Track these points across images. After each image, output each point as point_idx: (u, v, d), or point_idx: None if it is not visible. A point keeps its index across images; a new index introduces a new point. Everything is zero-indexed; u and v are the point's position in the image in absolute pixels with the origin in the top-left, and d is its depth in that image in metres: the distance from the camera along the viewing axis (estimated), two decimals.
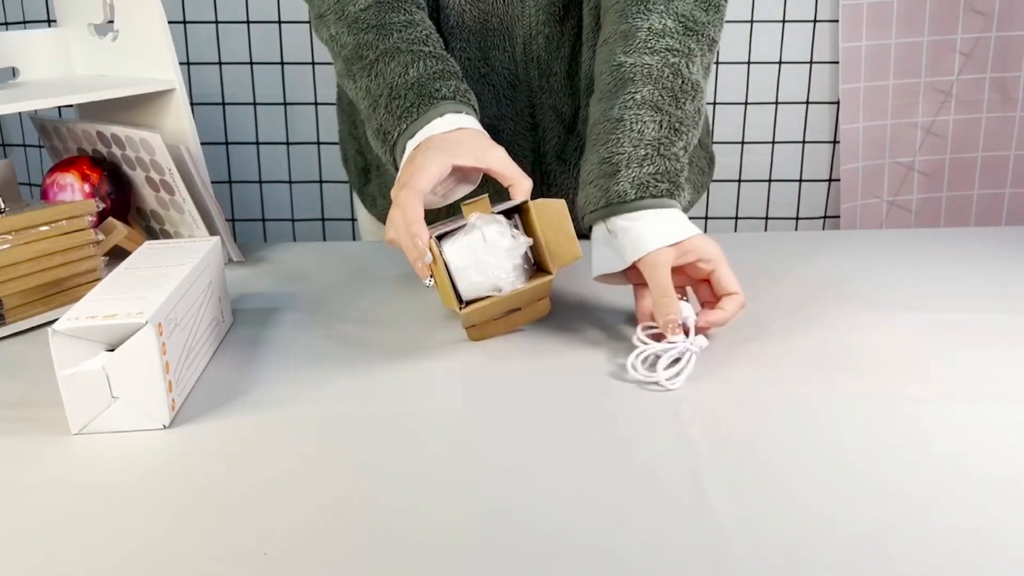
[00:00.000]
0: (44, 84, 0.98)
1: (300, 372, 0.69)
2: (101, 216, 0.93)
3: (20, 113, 1.49)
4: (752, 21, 1.63)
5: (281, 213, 1.77)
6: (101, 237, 0.84)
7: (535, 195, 0.72)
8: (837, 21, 1.61)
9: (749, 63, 1.65)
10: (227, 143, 1.72)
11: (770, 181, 1.71)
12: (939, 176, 1.71)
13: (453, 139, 0.73)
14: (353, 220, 1.76)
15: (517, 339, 0.75)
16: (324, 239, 1.77)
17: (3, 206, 0.78)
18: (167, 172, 0.91)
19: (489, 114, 0.91)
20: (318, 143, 1.72)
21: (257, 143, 1.72)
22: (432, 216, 0.71)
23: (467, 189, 0.76)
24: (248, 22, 1.65)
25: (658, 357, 0.67)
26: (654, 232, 0.71)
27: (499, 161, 0.72)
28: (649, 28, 0.76)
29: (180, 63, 0.93)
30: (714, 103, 1.66)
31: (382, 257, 0.96)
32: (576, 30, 0.89)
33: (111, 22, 0.98)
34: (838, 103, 1.65)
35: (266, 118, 1.70)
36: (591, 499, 0.52)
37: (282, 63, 1.67)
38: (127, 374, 0.59)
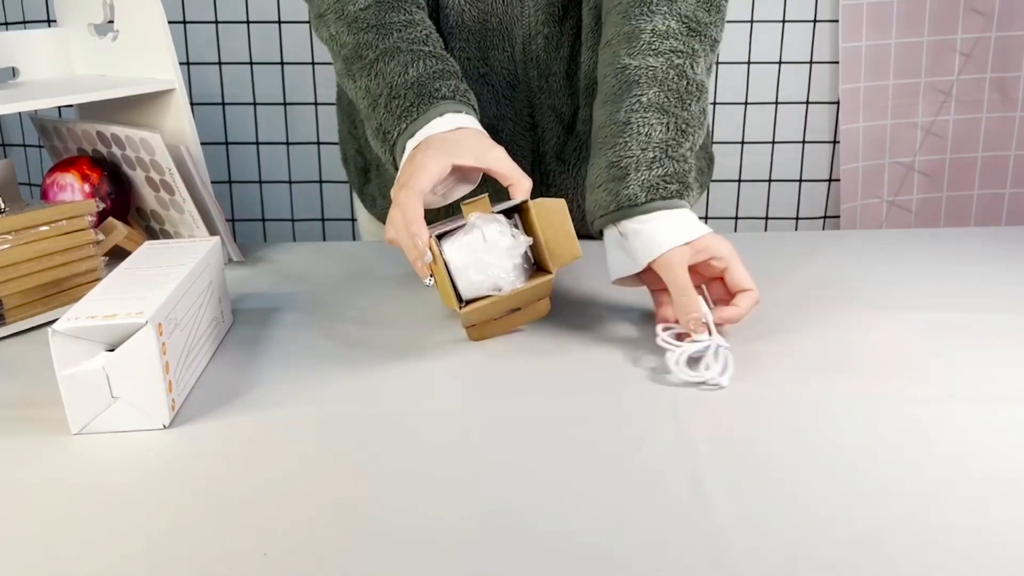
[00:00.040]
0: (44, 84, 0.98)
1: (300, 372, 0.69)
2: (101, 216, 0.93)
3: (20, 113, 1.49)
4: (752, 21, 1.63)
5: (281, 213, 1.77)
6: (101, 237, 0.84)
7: (534, 195, 0.72)
8: (837, 21, 1.61)
9: (749, 63, 1.65)
10: (227, 143, 1.72)
11: (770, 181, 1.71)
12: (939, 176, 1.71)
13: (453, 139, 0.73)
14: (353, 220, 1.76)
15: (517, 339, 0.75)
16: (324, 239, 1.77)
17: (3, 206, 0.78)
18: (167, 172, 0.91)
19: (488, 114, 0.91)
20: (318, 143, 1.72)
21: (257, 143, 1.72)
22: (432, 216, 0.71)
23: (467, 189, 0.76)
24: (248, 22, 1.65)
25: (696, 359, 0.67)
26: (666, 233, 0.71)
27: (499, 161, 0.72)
28: (652, 30, 0.76)
29: (180, 63, 0.93)
30: (714, 103, 1.66)
31: (382, 257, 0.96)
32: (575, 30, 0.89)
33: (111, 22, 0.98)
34: (838, 103, 1.65)
35: (266, 118, 1.70)
36: (591, 499, 0.52)
37: (282, 63, 1.67)
38: (127, 374, 0.59)
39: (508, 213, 0.73)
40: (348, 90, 0.82)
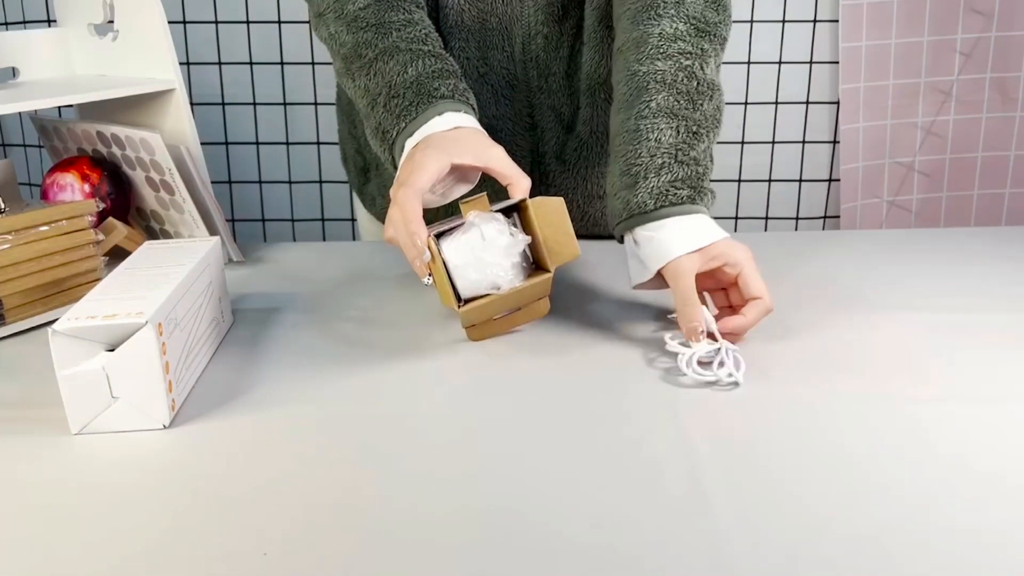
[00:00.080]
0: (44, 84, 0.98)
1: (300, 372, 0.69)
2: (101, 216, 0.93)
3: (20, 113, 1.49)
4: (752, 21, 1.63)
5: (281, 213, 1.77)
6: (101, 237, 0.84)
7: (534, 195, 0.72)
8: (837, 21, 1.61)
9: (749, 63, 1.64)
10: (227, 143, 1.72)
11: (770, 181, 1.71)
12: (939, 176, 1.71)
13: (452, 138, 0.73)
14: (353, 220, 1.76)
15: (517, 339, 0.75)
16: (324, 239, 1.77)
17: (3, 206, 0.78)
18: (167, 172, 0.91)
19: (488, 114, 0.91)
20: (318, 143, 1.72)
21: (257, 143, 1.72)
22: (430, 215, 0.71)
23: (466, 188, 0.76)
24: (248, 22, 1.65)
25: (705, 363, 0.67)
26: (677, 240, 0.71)
27: (498, 160, 0.72)
28: (660, 33, 0.76)
29: (180, 63, 0.93)
30: None
31: (382, 257, 0.96)
32: (575, 30, 0.89)
33: (111, 22, 0.98)
34: (838, 103, 1.65)
35: (266, 118, 1.70)
36: (591, 498, 0.52)
37: (282, 63, 1.67)
38: (127, 374, 0.59)
39: (507, 212, 0.73)
40: (347, 89, 0.82)
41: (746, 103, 1.67)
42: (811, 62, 1.64)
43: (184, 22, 1.64)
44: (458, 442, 0.59)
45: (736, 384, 0.65)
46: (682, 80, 0.74)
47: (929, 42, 1.63)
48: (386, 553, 0.47)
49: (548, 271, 0.72)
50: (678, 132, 0.73)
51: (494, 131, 0.90)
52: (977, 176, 1.71)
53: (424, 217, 0.69)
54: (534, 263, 0.74)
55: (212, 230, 0.95)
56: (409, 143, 0.74)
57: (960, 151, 1.69)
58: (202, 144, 0.96)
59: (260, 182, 1.75)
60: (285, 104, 1.69)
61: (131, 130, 0.92)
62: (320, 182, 1.75)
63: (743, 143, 1.69)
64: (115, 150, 0.96)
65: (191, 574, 0.46)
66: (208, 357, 0.71)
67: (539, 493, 0.52)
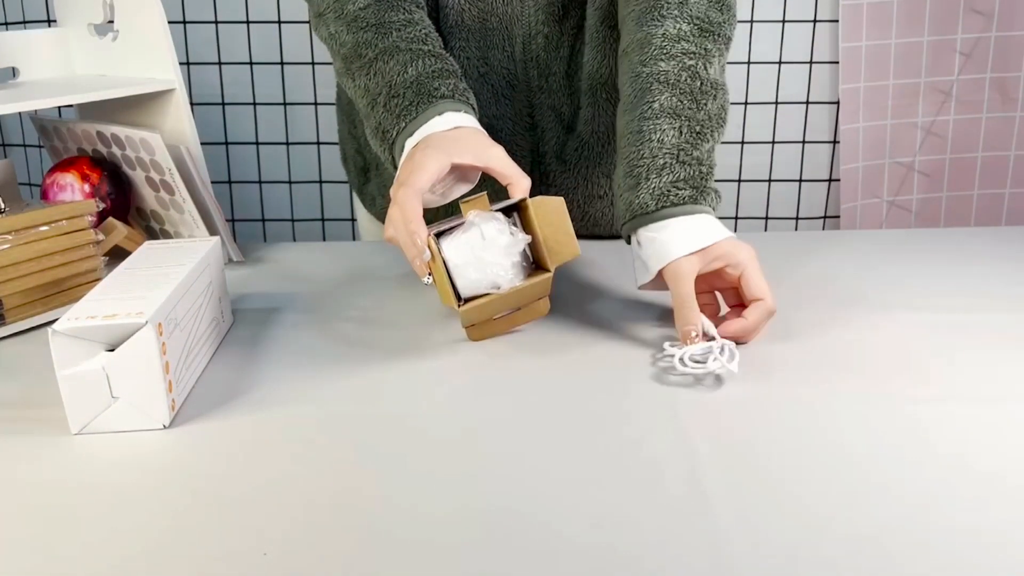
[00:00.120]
0: (44, 84, 0.98)
1: (300, 372, 0.69)
2: (101, 216, 0.93)
3: (20, 113, 1.49)
4: (752, 21, 1.63)
5: (281, 213, 1.77)
6: (101, 237, 0.84)
7: (534, 195, 0.72)
8: (837, 21, 1.61)
9: (749, 63, 1.64)
10: (227, 143, 1.72)
11: (770, 181, 1.71)
12: (939, 176, 1.71)
13: (452, 137, 0.73)
14: (353, 220, 1.76)
15: (517, 339, 0.75)
16: (324, 239, 1.77)
17: (3, 206, 0.78)
18: (167, 172, 0.91)
19: (488, 113, 0.91)
20: (318, 143, 1.72)
21: (257, 143, 1.72)
22: (430, 215, 0.71)
23: (466, 188, 0.76)
24: (248, 22, 1.65)
25: (699, 362, 0.67)
26: (677, 241, 0.71)
27: (498, 160, 0.72)
28: (664, 34, 0.76)
29: (180, 63, 0.93)
30: None
31: (382, 257, 0.96)
32: (575, 30, 0.89)
33: (111, 22, 0.98)
34: (838, 103, 1.65)
35: (266, 118, 1.70)
36: (591, 498, 0.52)
37: (282, 63, 1.67)
38: (127, 374, 0.59)
39: (507, 211, 0.73)
40: (347, 89, 0.82)
41: (746, 103, 1.67)
42: (811, 62, 1.64)
43: (184, 22, 1.64)
44: (458, 442, 0.59)
45: (731, 373, 0.65)
46: (685, 80, 0.74)
47: (929, 42, 1.63)
48: (386, 553, 0.47)
49: (548, 271, 0.72)
50: (680, 132, 0.73)
51: (494, 131, 0.90)
52: (977, 176, 1.71)
53: (424, 217, 0.69)
54: (534, 263, 0.74)
55: (212, 230, 0.95)
56: (409, 143, 0.74)
57: (960, 151, 1.69)
58: (202, 144, 0.96)
59: (260, 182, 1.75)
60: (285, 104, 1.69)
61: (131, 130, 0.92)
62: (320, 182, 1.75)
63: (743, 143, 1.69)
64: (115, 150, 0.96)
65: (191, 574, 0.46)
66: (208, 357, 0.71)
67: (539, 493, 0.52)
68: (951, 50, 1.63)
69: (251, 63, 1.67)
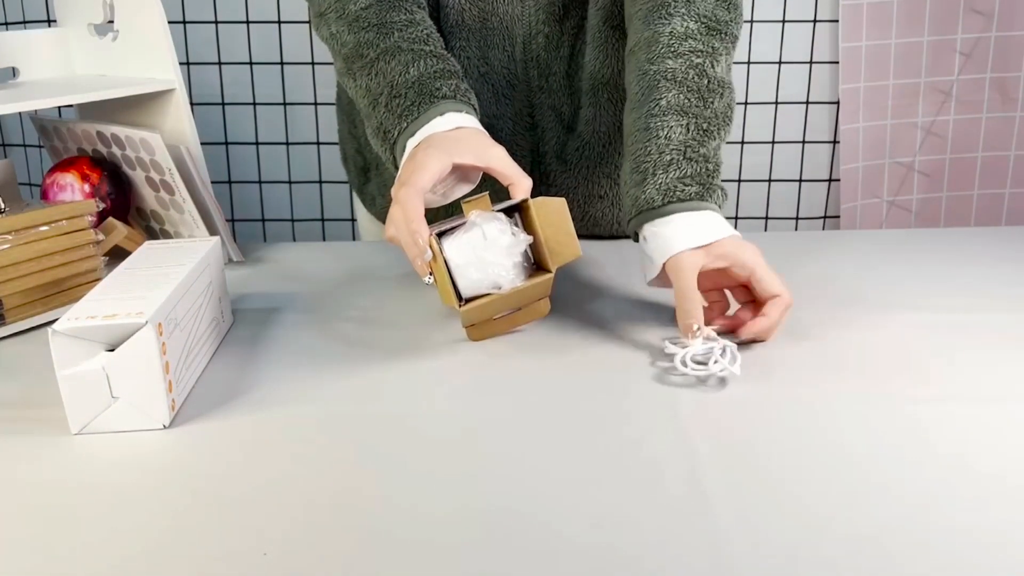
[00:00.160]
0: (44, 84, 0.98)
1: (300, 372, 0.69)
2: (101, 216, 0.93)
3: (20, 113, 1.49)
4: (752, 21, 1.63)
5: (281, 213, 1.77)
6: (101, 237, 0.84)
7: (535, 195, 0.72)
8: (837, 21, 1.61)
9: (749, 63, 1.65)
10: (227, 143, 1.72)
11: (770, 181, 1.71)
12: (939, 176, 1.71)
13: (454, 138, 0.73)
14: (353, 220, 1.76)
15: (517, 339, 0.75)
16: (324, 239, 1.77)
17: (3, 206, 0.78)
18: (167, 172, 0.91)
19: (488, 113, 0.91)
20: (318, 143, 1.72)
21: (257, 143, 1.72)
22: (431, 215, 0.71)
23: (467, 188, 0.76)
24: (248, 22, 1.65)
25: (701, 361, 0.67)
26: (681, 236, 0.71)
27: (499, 160, 0.72)
28: (671, 32, 0.76)
29: (180, 63, 0.93)
30: None
31: (382, 257, 0.96)
32: (575, 30, 0.89)
33: (111, 22, 0.98)
34: (838, 103, 1.65)
35: (266, 118, 1.70)
36: (591, 498, 0.52)
37: (282, 63, 1.67)
38: (127, 374, 0.59)
39: (508, 212, 0.73)
40: (348, 89, 0.82)
41: (746, 103, 1.67)
42: (811, 62, 1.64)
43: (184, 22, 1.64)
44: (458, 442, 0.59)
45: (733, 375, 0.65)
46: (693, 78, 0.75)
47: (929, 42, 1.63)
48: (386, 553, 0.47)
49: (549, 271, 0.72)
50: (688, 129, 0.73)
51: (494, 131, 0.90)
52: (977, 176, 1.71)
53: (426, 217, 0.69)
54: (535, 263, 0.74)
55: (212, 230, 0.95)
56: (411, 143, 0.74)
57: (960, 151, 1.69)
58: (202, 144, 0.96)
59: (260, 182, 1.75)
60: (285, 104, 1.69)
61: (131, 130, 0.92)
62: (320, 182, 1.75)
63: (743, 143, 1.69)
64: (115, 150, 0.96)
65: (191, 574, 0.46)
66: (208, 357, 0.71)
67: (539, 493, 0.52)
68: (951, 50, 1.63)
69: (251, 63, 1.67)
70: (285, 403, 0.64)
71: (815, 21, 1.62)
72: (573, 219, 0.72)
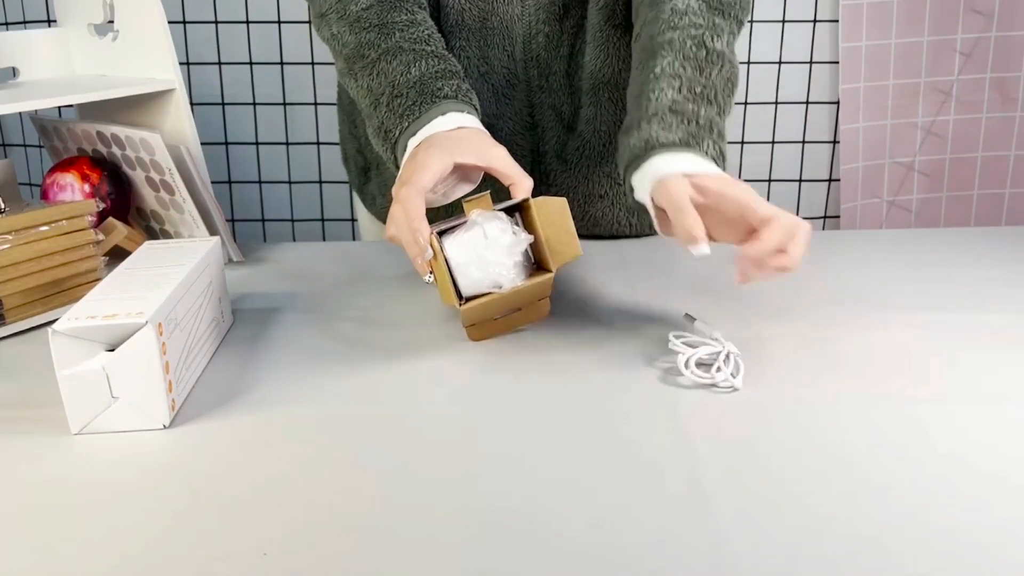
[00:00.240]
0: (44, 84, 0.98)
1: (300, 372, 0.69)
2: (101, 216, 0.93)
3: (20, 113, 1.49)
4: (752, 21, 1.63)
5: (281, 213, 1.77)
6: (101, 237, 0.84)
7: (535, 195, 0.72)
8: (837, 21, 1.61)
9: (749, 63, 1.65)
10: (227, 143, 1.72)
11: (770, 181, 1.71)
12: (939, 176, 1.71)
13: (455, 137, 0.73)
14: (353, 220, 1.76)
15: (517, 339, 0.75)
16: (324, 239, 1.78)
17: (3, 206, 0.78)
18: (167, 172, 0.91)
19: (488, 113, 0.91)
20: (318, 143, 1.72)
21: (257, 143, 1.72)
22: (431, 215, 0.71)
23: (467, 188, 0.76)
24: (248, 22, 1.65)
25: (705, 365, 0.67)
26: (663, 165, 0.70)
27: (500, 160, 0.72)
28: (672, 8, 0.77)
29: (180, 63, 0.93)
30: None
31: (382, 257, 0.96)
32: (575, 29, 0.89)
33: (111, 22, 0.98)
34: (838, 103, 1.65)
35: (266, 118, 1.70)
36: (591, 498, 0.52)
37: (282, 63, 1.67)
38: (127, 374, 0.59)
39: (509, 211, 0.73)
40: (350, 89, 0.82)
41: (746, 103, 1.67)
42: (811, 62, 1.64)
43: (184, 22, 1.64)
44: (458, 442, 0.59)
45: (734, 389, 0.65)
46: (690, 47, 0.75)
47: (929, 42, 1.63)
48: (386, 553, 0.47)
49: (550, 271, 0.72)
50: (679, 91, 0.73)
51: (494, 130, 0.90)
52: (977, 176, 1.71)
53: (427, 216, 0.69)
54: (535, 263, 0.74)
55: (212, 230, 0.95)
56: (412, 142, 0.74)
57: (960, 151, 1.69)
58: (202, 144, 0.96)
59: (260, 182, 1.75)
60: (285, 104, 1.69)
61: (131, 130, 0.92)
62: (320, 182, 1.75)
63: (743, 143, 1.69)
64: (115, 150, 0.96)
65: (191, 574, 0.46)
66: (208, 357, 0.71)
67: (539, 493, 0.52)
68: (951, 50, 1.63)
69: (251, 63, 1.67)
70: (285, 403, 0.64)
71: (815, 21, 1.62)
72: (573, 219, 0.72)
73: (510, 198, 0.72)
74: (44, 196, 0.94)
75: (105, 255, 0.87)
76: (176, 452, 0.58)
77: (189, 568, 0.46)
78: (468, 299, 0.71)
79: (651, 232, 0.96)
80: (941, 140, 1.69)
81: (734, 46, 0.79)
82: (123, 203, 0.98)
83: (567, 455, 0.56)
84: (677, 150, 0.70)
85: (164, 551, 0.48)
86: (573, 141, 0.93)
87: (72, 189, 0.93)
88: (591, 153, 0.93)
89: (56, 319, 0.59)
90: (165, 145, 0.89)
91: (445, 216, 0.78)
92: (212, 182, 0.97)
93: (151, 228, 1.01)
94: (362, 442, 0.59)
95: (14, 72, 1.01)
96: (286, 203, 1.76)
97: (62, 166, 0.95)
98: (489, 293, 0.70)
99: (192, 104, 0.97)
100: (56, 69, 1.04)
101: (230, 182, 1.74)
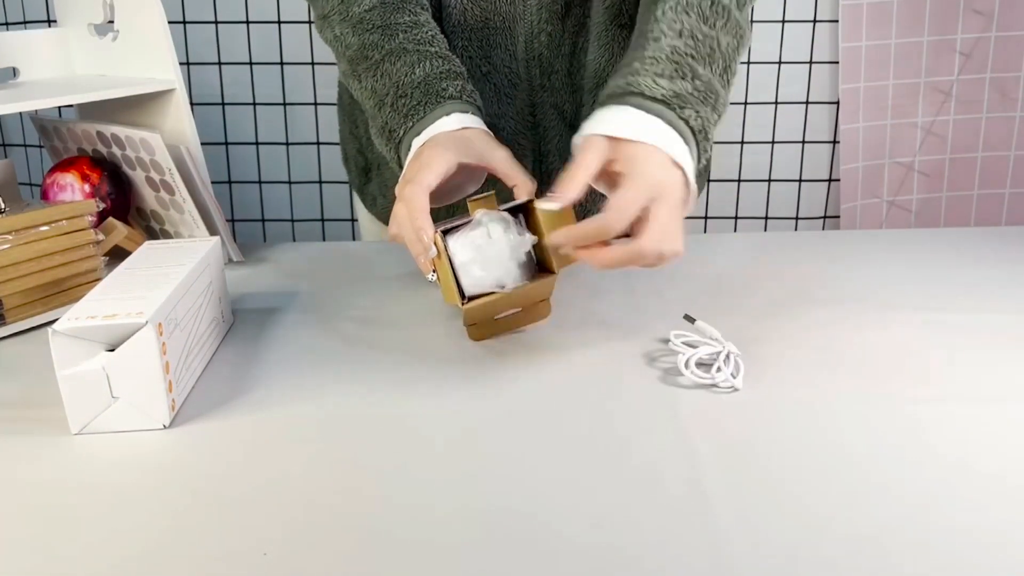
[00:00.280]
0: (44, 84, 0.98)
1: (300, 372, 0.69)
2: (101, 216, 0.93)
3: (20, 113, 1.49)
4: (752, 21, 1.63)
5: (281, 213, 1.77)
6: (101, 237, 0.84)
7: (538, 195, 0.72)
8: (837, 21, 1.61)
9: (749, 63, 1.65)
10: (227, 143, 1.72)
11: (770, 181, 1.71)
12: (939, 176, 1.71)
13: (460, 137, 0.73)
14: (353, 220, 1.76)
15: (518, 339, 0.75)
16: (324, 239, 1.78)
17: (3, 206, 0.78)
18: (167, 172, 0.91)
19: (490, 112, 0.91)
20: (318, 143, 1.72)
21: (257, 143, 1.72)
22: (434, 215, 0.71)
23: (471, 188, 0.76)
24: (248, 22, 1.65)
25: (706, 365, 0.67)
26: (595, 122, 0.68)
27: (504, 161, 0.72)
28: None
29: (180, 63, 0.93)
30: None
31: (382, 257, 0.96)
32: (576, 27, 0.89)
33: (111, 22, 0.98)
34: (838, 103, 1.65)
35: (266, 118, 1.70)
36: (591, 499, 0.52)
37: (282, 63, 1.67)
38: (127, 374, 0.59)
39: (514, 212, 0.73)
40: (353, 90, 0.82)
41: (746, 103, 1.67)
42: (811, 62, 1.64)
43: (184, 22, 1.64)
44: (458, 442, 0.59)
45: (734, 389, 0.65)
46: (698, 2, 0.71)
47: (929, 42, 1.63)
48: (386, 553, 0.47)
49: (553, 272, 0.72)
50: (680, 35, 0.70)
51: (496, 129, 0.90)
52: (977, 176, 1.71)
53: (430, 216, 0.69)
54: (538, 264, 0.74)
55: (212, 230, 0.95)
56: (416, 142, 0.75)
57: (960, 151, 1.69)
58: (202, 144, 0.96)
59: (260, 182, 1.75)
60: (285, 104, 1.69)
61: (131, 130, 0.92)
62: (320, 182, 1.75)
63: (743, 143, 1.69)
64: (115, 150, 0.96)
65: (191, 574, 0.46)
66: (208, 357, 0.71)
67: (539, 493, 0.52)
68: (951, 50, 1.63)
69: (251, 63, 1.67)
70: (285, 403, 0.64)
71: (815, 21, 1.62)
72: (576, 219, 0.72)
73: (514, 199, 0.72)
74: (44, 196, 0.94)
75: (105, 255, 0.87)
76: (176, 452, 0.58)
77: (189, 568, 0.46)
78: (471, 298, 0.71)
79: None
80: (941, 140, 1.69)
81: (747, 13, 0.76)
82: (123, 203, 0.98)
83: (567, 455, 0.56)
84: (617, 99, 0.68)
85: (164, 551, 0.48)
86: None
87: (72, 189, 0.93)
88: None
89: (56, 319, 0.59)
90: (165, 145, 0.89)
91: (446, 216, 0.78)
92: (212, 182, 0.97)
93: (151, 228, 1.01)
94: (362, 442, 0.59)
95: (14, 72, 1.01)
96: (286, 203, 1.76)
97: (62, 166, 0.95)
98: (492, 293, 0.70)
99: (192, 104, 0.97)
100: (56, 69, 1.04)
101: (230, 182, 1.74)
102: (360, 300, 0.84)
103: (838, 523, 0.49)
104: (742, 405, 0.63)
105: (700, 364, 0.67)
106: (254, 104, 1.69)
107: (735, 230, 1.73)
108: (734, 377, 0.65)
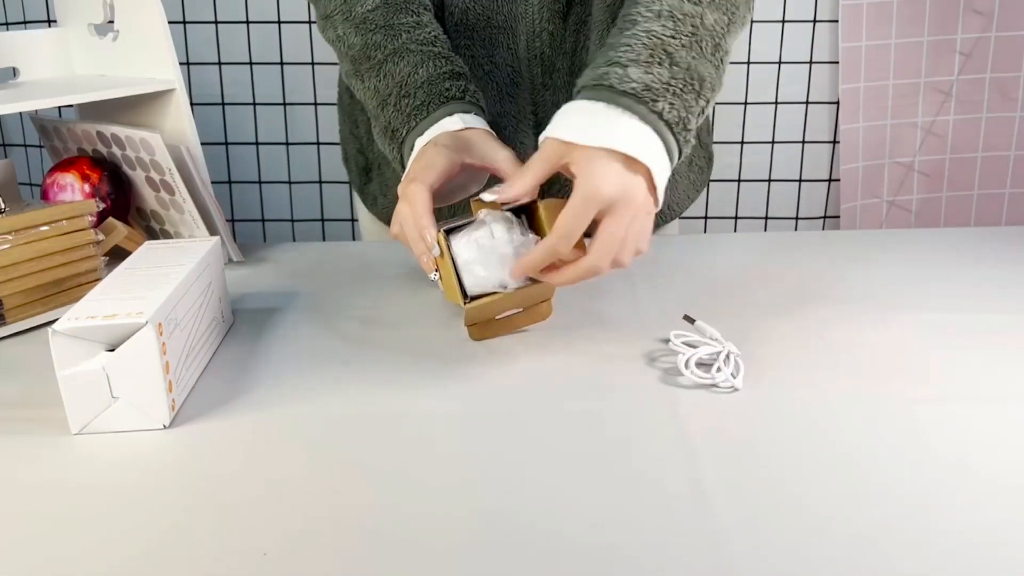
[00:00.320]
0: (44, 84, 0.98)
1: (300, 372, 0.69)
2: (101, 216, 0.93)
3: (20, 113, 1.49)
4: (752, 21, 1.63)
5: (281, 213, 1.77)
6: (101, 237, 0.84)
7: (540, 194, 0.72)
8: (837, 21, 1.61)
9: (749, 63, 1.65)
10: (227, 143, 1.72)
11: (770, 181, 1.71)
12: (939, 176, 1.71)
13: (463, 138, 0.73)
14: (353, 220, 1.76)
15: (518, 339, 0.75)
16: (324, 239, 1.78)
17: (3, 206, 0.78)
18: (167, 172, 0.91)
19: (492, 111, 0.91)
20: (318, 143, 1.72)
21: (257, 143, 1.72)
22: (437, 215, 0.71)
23: (474, 189, 0.76)
24: (248, 22, 1.65)
25: (706, 365, 0.67)
26: (557, 120, 0.68)
27: (507, 161, 0.72)
28: None
29: (180, 63, 0.93)
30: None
31: (382, 257, 0.96)
32: (577, 26, 0.89)
33: (111, 22, 0.98)
34: (838, 103, 1.65)
35: (266, 118, 1.70)
36: (591, 499, 0.52)
37: (282, 63, 1.67)
38: (127, 374, 0.59)
39: (517, 212, 0.73)
40: (355, 90, 0.82)
41: (746, 103, 1.67)
42: (811, 62, 1.64)
43: (184, 22, 1.64)
44: (458, 442, 0.59)
45: (734, 389, 0.65)
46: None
47: (929, 42, 1.63)
48: (386, 553, 0.47)
49: None
50: (658, 17, 0.68)
51: (498, 129, 0.90)
52: (977, 176, 1.71)
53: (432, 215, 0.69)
54: None
55: (212, 230, 0.95)
56: (419, 141, 0.75)
57: (960, 151, 1.69)
58: (202, 144, 0.96)
59: (260, 182, 1.75)
60: (285, 104, 1.69)
61: (131, 130, 0.92)
62: (320, 182, 1.75)
63: (743, 143, 1.69)
64: (115, 150, 0.96)
65: (191, 574, 0.46)
66: (208, 357, 0.71)
67: (539, 492, 0.52)
68: (951, 50, 1.63)
69: (251, 63, 1.67)
70: (285, 403, 0.64)
71: (815, 21, 1.62)
72: None
73: None
74: (44, 196, 0.94)
75: (105, 255, 0.87)
76: (176, 452, 0.58)
77: (189, 568, 0.46)
78: (473, 298, 0.71)
79: (654, 232, 0.95)
80: (941, 140, 1.69)
81: (725, 26, 0.72)
82: (123, 203, 0.98)
83: (567, 455, 0.56)
84: (589, 94, 0.67)
85: (164, 551, 0.48)
86: None
87: (72, 189, 0.93)
88: None
89: (56, 319, 0.59)
90: (165, 145, 0.89)
91: (451, 215, 0.78)
92: (212, 182, 0.97)
93: (151, 228, 1.01)
94: (362, 442, 0.59)
95: (14, 72, 1.01)
96: (286, 203, 1.76)
97: (62, 166, 0.95)
98: (494, 293, 0.70)
99: (192, 104, 0.97)
100: (56, 69, 1.04)
101: (230, 182, 1.74)
102: (360, 300, 0.84)
103: (838, 523, 0.49)
104: (742, 405, 0.63)
105: (700, 364, 0.67)
106: (254, 104, 1.69)
107: (735, 230, 1.73)
108: (734, 377, 0.65)
